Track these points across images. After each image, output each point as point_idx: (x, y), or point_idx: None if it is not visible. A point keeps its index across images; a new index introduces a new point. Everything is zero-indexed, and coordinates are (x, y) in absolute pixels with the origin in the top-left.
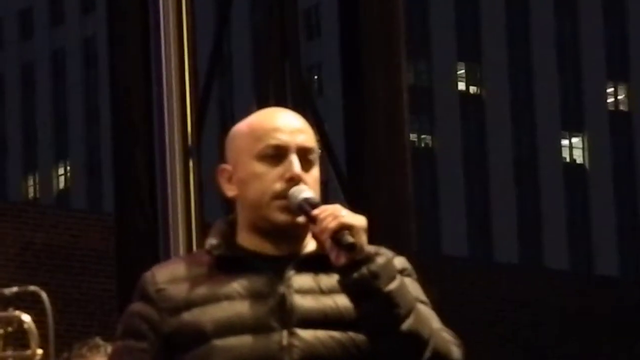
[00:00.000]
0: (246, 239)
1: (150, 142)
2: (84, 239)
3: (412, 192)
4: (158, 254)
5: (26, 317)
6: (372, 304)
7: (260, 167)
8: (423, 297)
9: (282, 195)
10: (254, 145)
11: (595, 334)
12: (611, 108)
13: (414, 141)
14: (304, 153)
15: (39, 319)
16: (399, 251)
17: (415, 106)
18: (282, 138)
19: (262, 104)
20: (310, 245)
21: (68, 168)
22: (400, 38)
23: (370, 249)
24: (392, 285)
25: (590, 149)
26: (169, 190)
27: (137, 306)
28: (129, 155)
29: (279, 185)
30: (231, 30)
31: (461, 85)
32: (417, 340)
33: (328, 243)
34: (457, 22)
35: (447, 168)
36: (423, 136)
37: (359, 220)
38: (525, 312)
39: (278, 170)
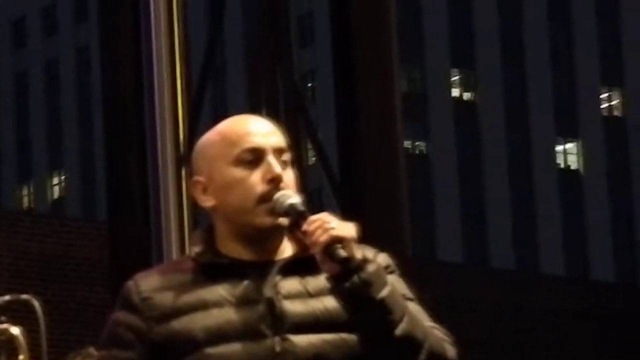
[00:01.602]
0: (227, 247)
1: (143, 150)
2: (79, 248)
3: (406, 199)
4: (151, 261)
5: (15, 330)
6: (366, 311)
7: (238, 172)
8: (409, 293)
9: (266, 198)
10: (228, 151)
11: (591, 338)
12: (605, 113)
13: (408, 148)
14: (279, 154)
15: (32, 329)
16: (393, 257)
17: (409, 113)
18: (257, 141)
19: (255, 111)
20: (287, 247)
21: (62, 177)
22: (392, 45)
23: (359, 254)
24: (384, 292)
25: (585, 155)
26: (162, 199)
27: (122, 315)
28: (121, 164)
29: (261, 188)
30: (224, 37)
31: (455, 92)
32: (412, 343)
33: (319, 256)
34: (450, 28)
35: (442, 174)
36: (417, 143)
37: (349, 231)
38: (521, 317)
39: (257, 173)
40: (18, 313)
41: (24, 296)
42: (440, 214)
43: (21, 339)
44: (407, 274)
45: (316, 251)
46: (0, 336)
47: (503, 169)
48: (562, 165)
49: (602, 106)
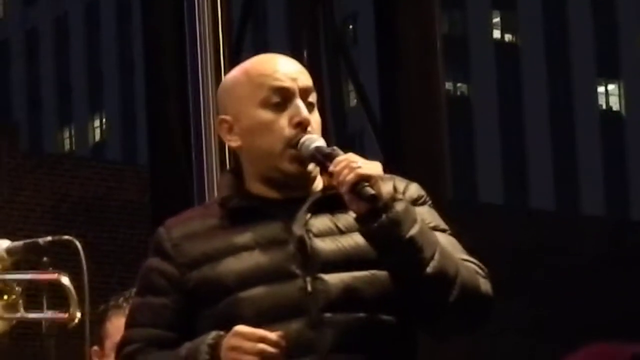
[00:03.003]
0: (255, 187)
1: (184, 92)
2: (120, 190)
3: (447, 141)
4: (193, 204)
5: (65, 280)
6: (395, 251)
7: (266, 115)
8: (442, 224)
9: (294, 142)
10: (255, 92)
11: (631, 280)
12: None
13: (449, 90)
14: (305, 95)
15: (74, 270)
16: (434, 200)
17: (451, 55)
18: (285, 82)
19: (296, 53)
20: (320, 184)
21: (103, 120)
22: None
23: (387, 192)
24: (413, 231)
25: (627, 96)
26: (203, 141)
27: (154, 262)
28: (162, 106)
29: (288, 132)
30: None
31: (496, 34)
32: (443, 280)
33: (347, 196)
34: None
35: (483, 116)
36: (458, 84)
37: (375, 169)
38: (561, 259)
39: (285, 115)
40: (59, 256)
41: (66, 237)
42: (481, 155)
43: (72, 288)
44: (448, 217)
45: (344, 191)
46: (43, 282)
47: (544, 111)
48: (604, 107)
49: None
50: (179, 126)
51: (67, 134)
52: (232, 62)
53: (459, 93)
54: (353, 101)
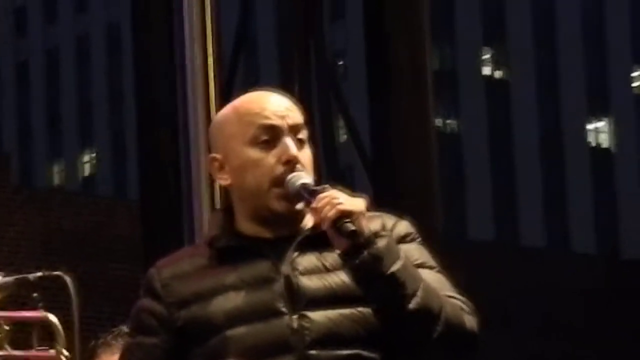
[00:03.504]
0: (245, 226)
1: (175, 127)
2: (110, 225)
3: (437, 177)
4: (183, 239)
5: (53, 318)
6: (377, 286)
7: (254, 153)
8: (430, 261)
9: (281, 180)
10: (244, 130)
11: (622, 316)
12: (637, 92)
13: (439, 126)
14: (295, 132)
15: (63, 306)
16: (424, 236)
17: (441, 91)
18: (273, 120)
19: (287, 89)
20: (309, 222)
21: (93, 155)
22: (425, 22)
23: (369, 229)
24: (396, 266)
25: (616, 133)
26: (194, 176)
27: (145, 302)
28: (153, 141)
29: (276, 170)
30: (256, 13)
31: (486, 70)
32: (427, 316)
33: (329, 232)
34: (481, 5)
35: (473, 153)
36: (448, 121)
37: (358, 205)
38: (551, 295)
39: (273, 154)
40: (50, 290)
41: (56, 272)
42: (472, 192)
43: (59, 327)
44: (438, 252)
45: (325, 227)
46: (34, 321)
47: (534, 147)
48: (593, 144)
49: (633, 85)
50: (170, 160)
51: (57, 169)
52: (224, 97)
53: (449, 129)
54: (343, 136)
